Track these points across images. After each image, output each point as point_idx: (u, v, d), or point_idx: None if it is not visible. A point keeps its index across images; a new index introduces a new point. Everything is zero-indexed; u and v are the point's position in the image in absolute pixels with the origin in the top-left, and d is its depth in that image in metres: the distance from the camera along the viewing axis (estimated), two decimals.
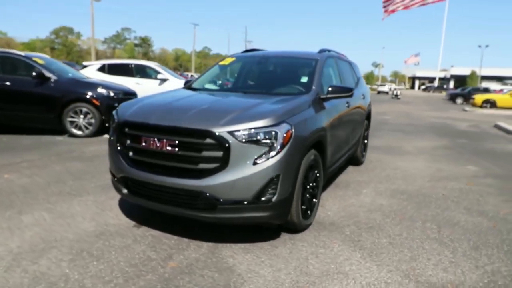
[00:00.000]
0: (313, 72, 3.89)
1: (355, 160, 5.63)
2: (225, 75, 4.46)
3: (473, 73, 57.18)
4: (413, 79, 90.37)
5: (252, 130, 2.68)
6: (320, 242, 3.09)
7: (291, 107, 3.06)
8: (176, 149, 2.73)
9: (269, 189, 2.72)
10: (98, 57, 45.35)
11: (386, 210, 3.89)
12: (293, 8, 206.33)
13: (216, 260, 2.73)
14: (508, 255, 2.96)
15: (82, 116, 7.38)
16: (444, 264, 2.78)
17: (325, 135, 3.47)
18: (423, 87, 77.22)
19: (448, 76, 72.76)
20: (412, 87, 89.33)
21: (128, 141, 3.01)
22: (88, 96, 7.38)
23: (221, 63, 4.55)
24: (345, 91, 3.71)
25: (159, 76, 10.43)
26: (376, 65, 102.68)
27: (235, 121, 2.71)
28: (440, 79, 72.80)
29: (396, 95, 35.64)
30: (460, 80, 63.59)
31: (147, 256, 2.76)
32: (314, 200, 3.40)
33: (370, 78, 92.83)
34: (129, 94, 8.15)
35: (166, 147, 2.75)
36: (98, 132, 7.54)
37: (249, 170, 2.65)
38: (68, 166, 5.14)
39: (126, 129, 3.02)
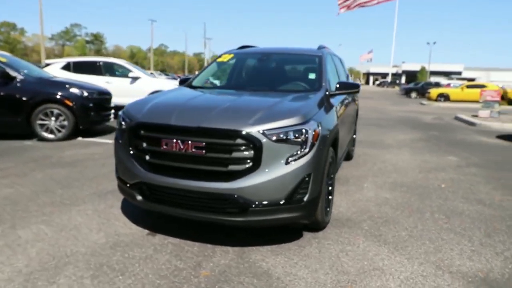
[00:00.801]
0: (319, 68, 3.86)
1: (347, 154, 5.71)
2: (224, 72, 4.30)
3: (423, 69, 60.52)
4: (367, 75, 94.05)
5: (283, 129, 2.60)
6: (344, 239, 3.08)
7: (313, 105, 3.02)
8: (204, 151, 2.58)
9: (301, 189, 2.66)
10: (46, 55, 42.48)
11: (393, 203, 3.98)
12: (251, 6, 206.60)
13: (249, 265, 2.63)
14: None
15: (53, 118, 6.85)
16: (467, 253, 2.88)
17: (338, 131, 3.47)
18: (377, 82, 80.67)
19: (400, 71, 76.45)
20: (367, 82, 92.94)
21: (144, 144, 2.81)
22: (59, 97, 6.86)
23: (219, 60, 4.40)
24: (353, 87, 3.72)
25: (130, 74, 9.95)
26: None
27: (265, 120, 2.61)
28: (393, 74, 76.44)
29: None
30: (411, 75, 67.01)
31: (174, 266, 2.59)
32: (329, 197, 3.38)
33: None
34: (104, 94, 7.72)
35: (191, 149, 2.59)
36: (71, 135, 7.05)
37: (282, 170, 2.57)
38: (50, 174, 4.74)
39: (142, 132, 2.82)
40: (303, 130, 2.64)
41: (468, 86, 25.38)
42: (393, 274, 2.56)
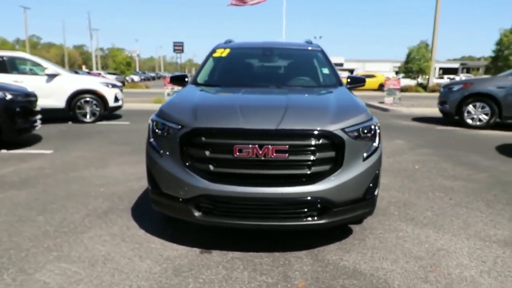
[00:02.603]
0: (329, 63, 3.92)
1: None
2: (226, 68, 3.98)
3: None
4: None
5: (357, 126, 2.59)
6: (389, 226, 3.22)
7: (359, 100, 3.06)
8: (286, 154, 2.40)
9: (373, 184, 2.69)
10: None
11: (394, 187, 4.30)
12: None
13: (333, 267, 2.56)
14: None
15: None
16: (490, 223, 3.30)
17: None
18: None
19: None
20: None
21: (207, 153, 2.47)
22: None
23: (215, 55, 4.07)
24: (361, 82, 3.88)
25: (47, 71, 8.49)
26: None
27: (342, 118, 2.56)
28: None
29: None
30: None
31: (264, 282, 2.37)
32: None
33: None
34: (29, 96, 6.44)
35: (272, 154, 2.38)
36: None
37: (361, 168, 2.56)
38: (7, 198, 3.81)
39: (203, 138, 2.47)
40: (372, 126, 2.67)
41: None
42: (456, 251, 2.79)
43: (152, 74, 69.02)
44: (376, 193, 2.73)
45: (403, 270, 2.52)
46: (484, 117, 8.57)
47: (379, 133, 2.76)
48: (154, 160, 2.68)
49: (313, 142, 2.44)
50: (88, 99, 9.04)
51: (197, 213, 2.56)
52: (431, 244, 2.90)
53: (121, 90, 9.87)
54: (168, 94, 14.12)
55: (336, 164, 2.48)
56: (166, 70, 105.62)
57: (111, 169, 5.01)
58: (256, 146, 2.38)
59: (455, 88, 8.93)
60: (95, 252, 2.72)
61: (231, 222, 2.55)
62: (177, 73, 4.11)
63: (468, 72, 70.89)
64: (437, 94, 14.72)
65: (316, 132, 2.43)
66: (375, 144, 2.67)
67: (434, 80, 27.87)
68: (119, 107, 9.84)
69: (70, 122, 9.20)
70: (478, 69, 73.29)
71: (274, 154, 2.39)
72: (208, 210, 2.56)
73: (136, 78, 45.74)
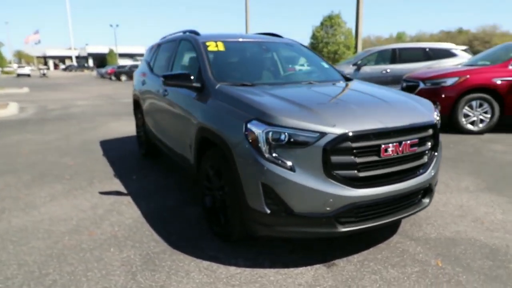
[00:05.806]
0: (319, 57, 4.04)
1: None
2: (235, 64, 3.46)
3: (111, 51, 60.99)
4: (44, 58, 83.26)
5: (437, 114, 2.94)
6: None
7: None
8: (416, 148, 2.54)
9: None
10: None
11: None
12: None
13: (434, 242, 2.85)
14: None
15: None
16: (454, 178, 4.31)
17: None
18: (63, 66, 73.55)
19: (85, 54, 73.31)
20: (47, 67, 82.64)
21: (355, 158, 2.30)
22: None
23: (210, 49, 3.48)
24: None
25: None
26: None
27: (431, 109, 2.86)
28: (77, 57, 72.44)
29: (44, 74, 43.09)
30: (99, 58, 66.02)
31: (413, 272, 2.46)
32: None
33: None
34: None
35: (408, 149, 2.47)
36: None
37: (439, 150, 2.94)
38: None
39: (350, 143, 2.28)
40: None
41: None
42: (470, 204, 3.56)
43: None
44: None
45: (470, 228, 3.10)
46: None
47: None
48: (282, 177, 2.25)
49: (428, 133, 2.66)
50: None
51: (340, 228, 2.36)
52: (451, 204, 3.61)
53: None
54: None
55: (434, 150, 2.78)
56: None
57: (51, 208, 3.59)
58: (397, 143, 2.41)
59: None
60: None
61: (371, 225, 2.47)
62: (179, 71, 3.33)
63: None
64: None
65: (430, 124, 2.67)
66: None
67: None
68: None
69: None
70: None
71: (410, 149, 2.48)
72: (349, 220, 2.39)
73: None
